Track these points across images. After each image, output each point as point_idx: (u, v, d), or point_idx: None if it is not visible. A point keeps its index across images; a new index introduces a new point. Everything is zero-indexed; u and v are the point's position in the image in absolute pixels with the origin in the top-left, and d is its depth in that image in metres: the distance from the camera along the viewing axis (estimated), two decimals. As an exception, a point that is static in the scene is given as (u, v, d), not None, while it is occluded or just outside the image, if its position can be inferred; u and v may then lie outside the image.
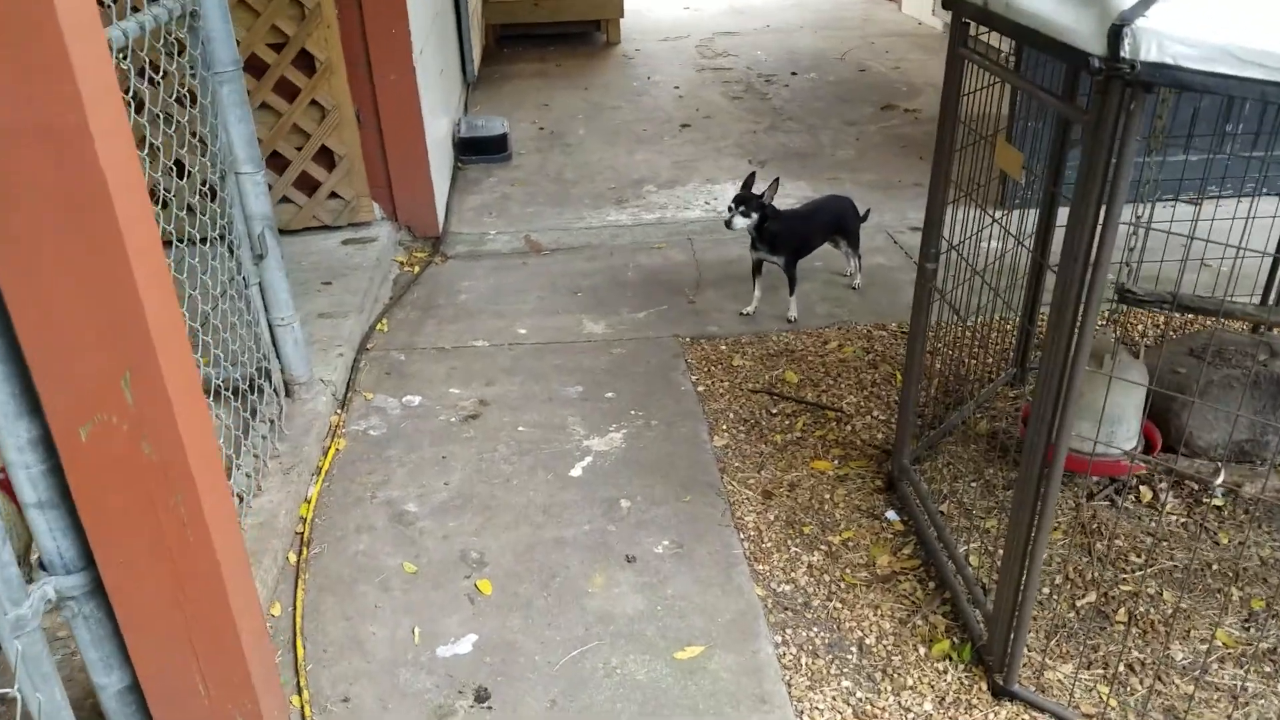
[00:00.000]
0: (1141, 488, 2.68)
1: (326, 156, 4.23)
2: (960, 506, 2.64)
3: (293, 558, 2.48)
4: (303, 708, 2.04)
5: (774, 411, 3.14)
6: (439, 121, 5.06)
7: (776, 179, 3.66)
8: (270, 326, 2.87)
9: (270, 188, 4.18)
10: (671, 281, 4.06)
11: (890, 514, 2.67)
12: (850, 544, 2.55)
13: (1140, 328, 3.52)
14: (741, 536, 2.57)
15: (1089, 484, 2.68)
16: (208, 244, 2.51)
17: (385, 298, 3.96)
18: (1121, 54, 1.38)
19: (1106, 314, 3.17)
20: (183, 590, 1.52)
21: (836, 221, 3.84)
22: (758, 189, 3.59)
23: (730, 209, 3.52)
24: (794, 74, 7.17)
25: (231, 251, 2.63)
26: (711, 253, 4.31)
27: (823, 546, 2.54)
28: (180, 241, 2.36)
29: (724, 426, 3.05)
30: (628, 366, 3.40)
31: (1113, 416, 2.56)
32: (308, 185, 4.26)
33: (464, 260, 4.35)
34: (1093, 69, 1.45)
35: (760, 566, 2.46)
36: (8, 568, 1.35)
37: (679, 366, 3.40)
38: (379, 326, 3.71)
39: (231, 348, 2.62)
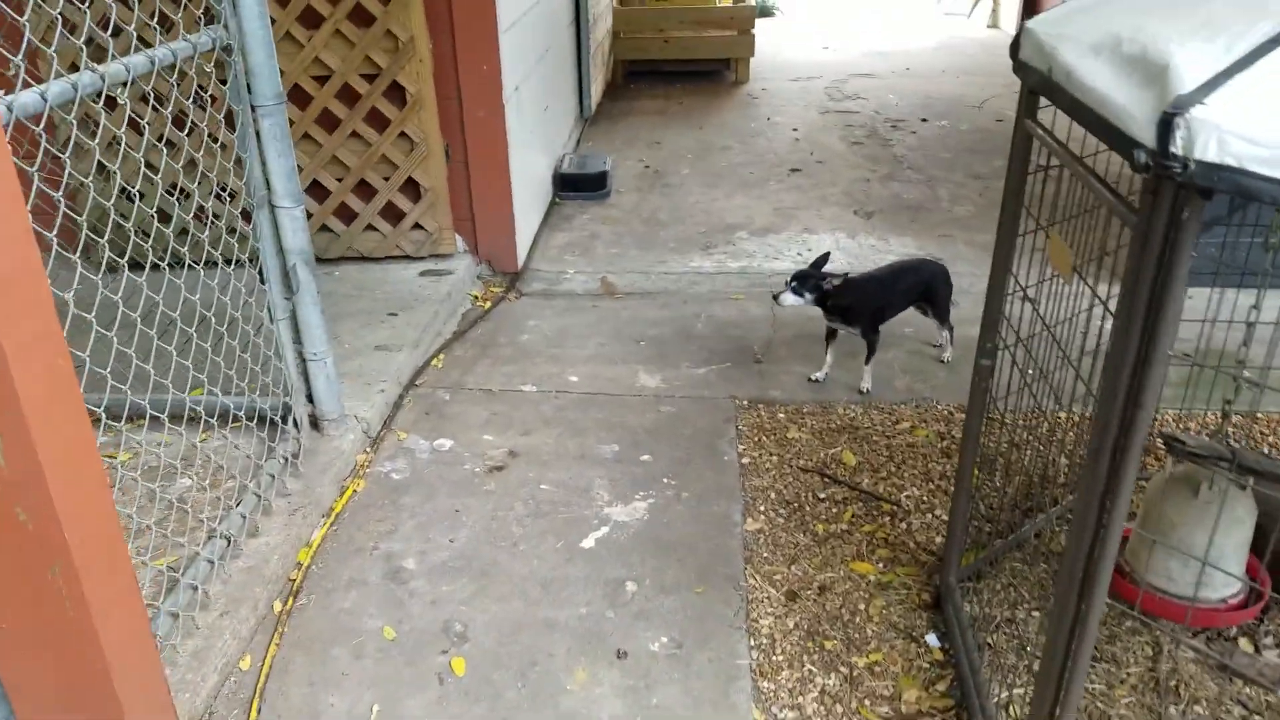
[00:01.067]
0: (1241, 638, 2.24)
1: (413, 188, 4.23)
2: (1012, 639, 2.28)
3: (278, 606, 2.39)
4: (237, 780, 1.92)
5: (822, 496, 2.84)
6: (536, 158, 5.01)
7: (826, 254, 3.40)
8: (304, 361, 2.83)
9: (356, 215, 4.25)
10: (742, 337, 3.81)
11: (931, 638, 2.33)
12: (876, 669, 2.23)
13: (1270, 438, 3.01)
14: (752, 644, 2.29)
15: (1178, 628, 2.26)
16: (216, 268, 2.48)
17: (449, 333, 3.90)
18: (1172, 149, 1.08)
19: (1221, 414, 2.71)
20: (65, 667, 1.42)
21: (923, 288, 3.50)
22: (835, 266, 3.32)
23: (786, 284, 3.29)
24: (924, 120, 6.77)
25: (261, 281, 2.61)
26: (791, 309, 4.03)
27: (843, 668, 2.23)
28: (179, 264, 2.34)
29: (761, 508, 2.78)
30: (673, 427, 3.18)
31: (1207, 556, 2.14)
32: (393, 215, 4.27)
33: (537, 298, 4.25)
34: (1137, 163, 1.15)
35: (765, 684, 2.19)
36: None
37: (728, 433, 3.15)
38: (434, 362, 3.64)
39: (239, 384, 2.58)
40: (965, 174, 5.66)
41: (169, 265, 2.44)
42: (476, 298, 4.24)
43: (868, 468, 2.97)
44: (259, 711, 2.09)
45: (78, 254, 1.81)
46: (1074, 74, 1.46)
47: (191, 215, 2.54)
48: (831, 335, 3.45)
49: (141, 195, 2.21)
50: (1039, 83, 1.67)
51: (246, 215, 2.59)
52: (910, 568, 2.55)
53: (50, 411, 1.27)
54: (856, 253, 4.56)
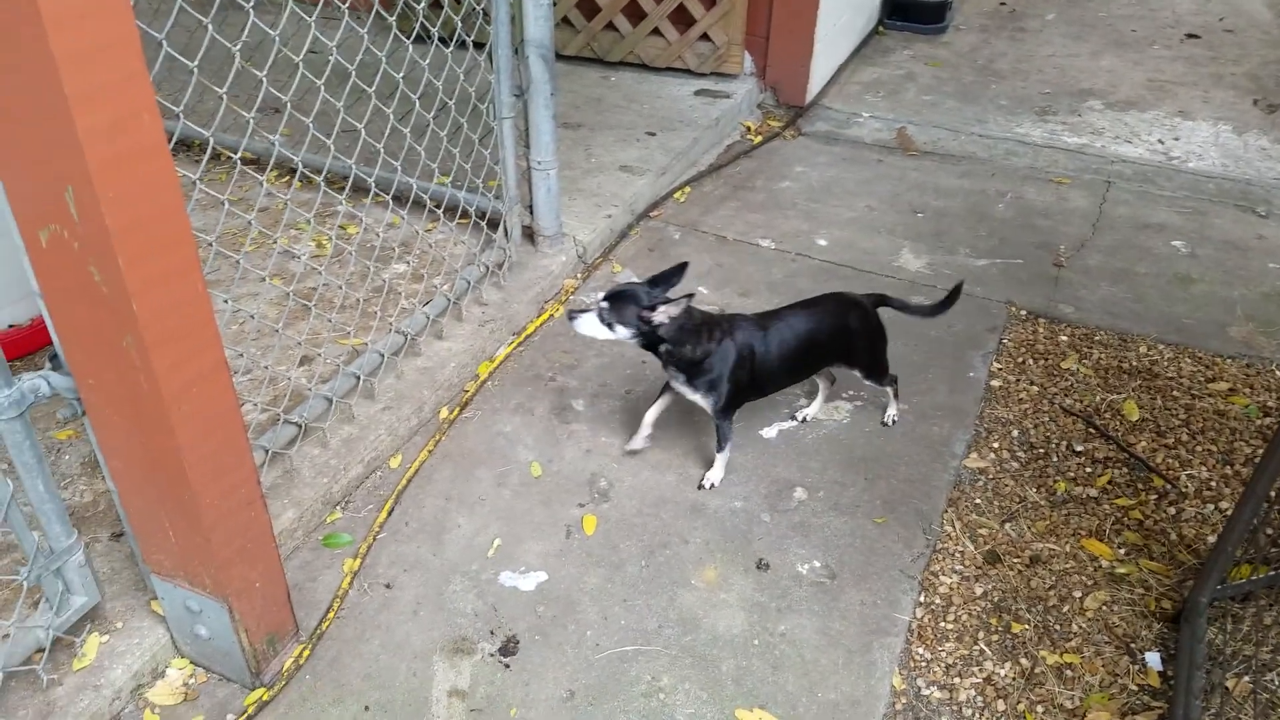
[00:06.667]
0: None
1: (710, -9, 3.82)
2: (1260, 693, 1.70)
3: (444, 414, 2.36)
4: (345, 576, 1.93)
5: (1078, 449, 2.28)
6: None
7: (683, 264, 2.02)
8: (529, 168, 2.67)
9: (645, 15, 3.92)
10: (1051, 230, 3.12)
11: (1152, 657, 1.81)
12: (1067, 673, 1.78)
13: None
14: (921, 599, 1.91)
15: None
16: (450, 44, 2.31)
17: (705, 164, 3.56)
18: None
19: None
20: (141, 434, 1.40)
21: (837, 346, 2.18)
22: (683, 288, 1.99)
23: (595, 301, 2.01)
24: None
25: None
26: (1125, 209, 3.23)
27: (1025, 659, 1.80)
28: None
29: (995, 444, 2.29)
30: (920, 325, 2.69)
31: None
32: (683, 20, 3.91)
33: (816, 140, 3.76)
34: None
35: (920, 650, 1.82)
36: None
37: (986, 345, 2.61)
38: (678, 194, 3.35)
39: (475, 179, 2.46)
40: None
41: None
42: (749, 129, 3.83)
43: (1151, 428, 2.33)
44: (391, 513, 2.09)
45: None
46: None
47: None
48: (668, 388, 2.15)
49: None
50: None
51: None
52: (1159, 564, 1.99)
53: (118, 171, 1.16)
54: (1239, 156, 3.52)
